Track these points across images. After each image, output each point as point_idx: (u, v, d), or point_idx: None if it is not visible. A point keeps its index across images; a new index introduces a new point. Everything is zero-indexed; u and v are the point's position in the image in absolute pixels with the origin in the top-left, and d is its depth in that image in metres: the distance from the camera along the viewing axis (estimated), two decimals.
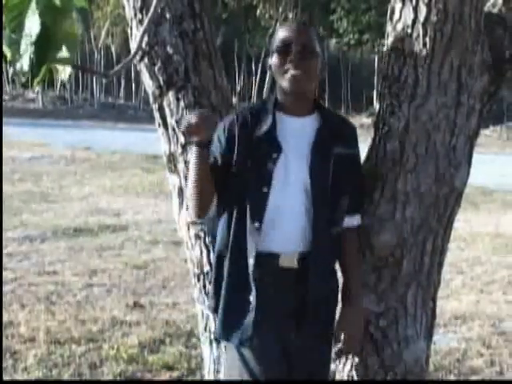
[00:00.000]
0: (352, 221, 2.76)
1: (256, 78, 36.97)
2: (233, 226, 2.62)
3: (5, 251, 7.51)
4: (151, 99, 3.42)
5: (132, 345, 4.96)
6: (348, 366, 2.95)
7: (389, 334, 2.86)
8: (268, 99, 2.75)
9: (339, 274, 2.80)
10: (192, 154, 2.57)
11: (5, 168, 13.13)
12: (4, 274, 6.62)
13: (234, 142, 2.61)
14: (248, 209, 2.59)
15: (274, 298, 2.61)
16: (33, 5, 2.15)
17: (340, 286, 2.78)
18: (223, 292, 2.64)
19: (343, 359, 2.97)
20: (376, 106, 2.94)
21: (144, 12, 3.27)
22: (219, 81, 3.30)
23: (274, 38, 2.68)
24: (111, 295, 6.24)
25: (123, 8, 3.49)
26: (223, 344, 2.89)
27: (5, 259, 7.16)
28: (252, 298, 2.58)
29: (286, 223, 2.61)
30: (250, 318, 2.58)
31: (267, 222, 2.58)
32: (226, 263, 2.63)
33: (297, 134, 2.65)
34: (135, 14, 3.32)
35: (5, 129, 12.39)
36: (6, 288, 6.23)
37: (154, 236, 8.68)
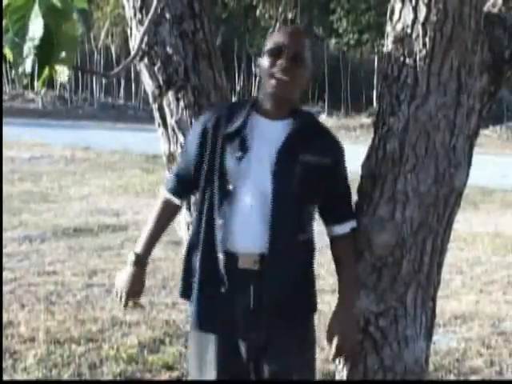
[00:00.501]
0: (342, 228, 2.80)
1: (256, 78, 36.96)
2: (203, 220, 2.66)
3: (4, 251, 7.51)
4: (151, 99, 3.42)
5: (132, 345, 4.96)
6: (348, 366, 2.96)
7: (388, 334, 2.86)
8: (247, 100, 2.76)
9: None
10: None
11: (4, 168, 13.13)
12: (4, 274, 6.63)
13: (206, 138, 2.66)
14: (215, 205, 2.63)
15: (233, 296, 2.64)
16: (36, 8, 2.15)
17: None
18: (196, 284, 2.68)
19: (343, 359, 2.97)
20: (376, 105, 2.94)
21: (144, 12, 3.28)
22: (219, 81, 3.30)
23: (270, 38, 2.68)
24: (111, 295, 6.23)
25: (123, 8, 3.49)
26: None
27: (4, 259, 7.16)
28: (224, 290, 2.64)
29: (246, 224, 2.61)
30: (223, 309, 2.65)
31: (231, 220, 2.60)
32: (198, 256, 2.67)
33: (266, 136, 2.64)
34: (135, 14, 3.32)
35: (4, 129, 12.39)
36: (5, 288, 6.23)
37: None
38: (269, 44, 2.63)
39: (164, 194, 2.86)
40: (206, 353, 2.71)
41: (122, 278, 2.86)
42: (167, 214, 2.89)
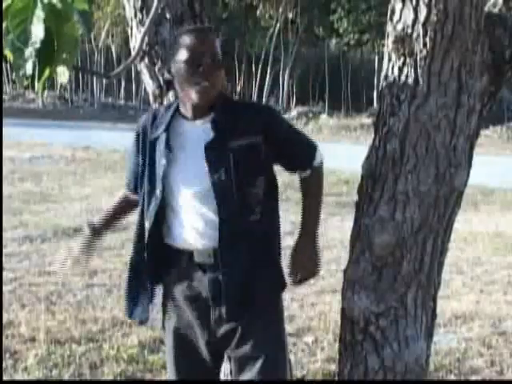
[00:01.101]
0: (306, 172, 2.89)
1: (256, 78, 36.96)
2: (147, 226, 2.84)
3: (5, 251, 7.51)
4: (151, 99, 3.42)
5: (132, 345, 4.96)
6: (348, 367, 2.96)
7: (389, 334, 2.86)
8: (172, 103, 2.84)
9: None
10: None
11: (5, 168, 13.12)
12: (4, 274, 6.63)
13: (138, 145, 2.85)
14: (147, 210, 2.81)
15: (187, 288, 2.81)
16: (38, 12, 2.15)
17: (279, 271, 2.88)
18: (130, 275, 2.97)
19: (344, 359, 2.97)
20: (376, 106, 2.95)
21: (144, 12, 3.28)
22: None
23: (179, 42, 2.67)
24: (111, 295, 6.24)
25: (123, 8, 3.49)
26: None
27: (5, 259, 7.16)
28: (183, 286, 2.82)
29: (190, 222, 2.72)
30: (154, 301, 2.96)
31: (177, 221, 2.75)
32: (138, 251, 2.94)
33: (193, 136, 2.72)
34: (135, 14, 3.33)
35: (5, 129, 12.38)
36: (6, 288, 6.23)
37: None
38: (183, 51, 2.62)
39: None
40: (169, 351, 2.96)
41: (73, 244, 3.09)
42: (123, 201, 3.11)
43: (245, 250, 2.72)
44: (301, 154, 2.87)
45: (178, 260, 2.79)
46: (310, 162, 2.87)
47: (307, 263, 2.91)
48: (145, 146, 2.80)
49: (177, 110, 2.76)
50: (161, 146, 2.73)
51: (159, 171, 2.72)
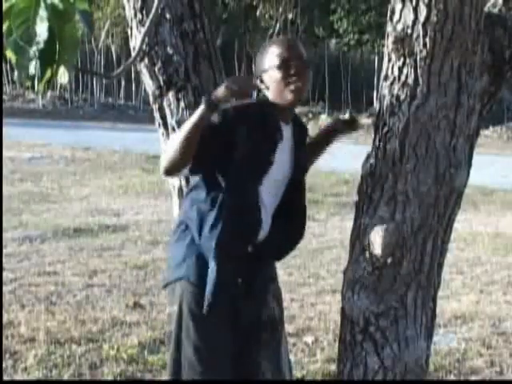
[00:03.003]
0: None
1: (256, 79, 36.92)
2: (226, 207, 2.86)
3: (5, 251, 7.50)
4: (151, 99, 3.42)
5: (132, 345, 4.96)
6: (348, 367, 2.96)
7: (389, 335, 2.86)
8: (268, 104, 2.94)
9: None
10: (200, 111, 2.70)
11: (5, 168, 13.11)
12: (4, 274, 6.62)
13: (234, 132, 2.82)
14: (246, 202, 2.89)
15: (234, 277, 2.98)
16: (41, 12, 2.15)
17: None
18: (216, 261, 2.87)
19: (344, 360, 2.97)
20: (376, 106, 2.95)
21: (144, 12, 3.28)
22: (219, 81, 3.31)
23: (267, 54, 2.92)
24: (111, 295, 6.24)
25: (123, 8, 3.49)
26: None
27: (5, 259, 7.15)
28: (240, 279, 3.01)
29: (266, 217, 2.98)
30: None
31: (260, 213, 2.94)
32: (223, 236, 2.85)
33: (285, 139, 2.96)
34: (135, 15, 3.33)
35: (4, 129, 12.37)
36: (5, 288, 6.23)
37: (154, 236, 8.67)
38: (274, 59, 2.89)
39: None
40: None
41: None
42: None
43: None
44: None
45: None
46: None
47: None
48: (249, 137, 2.84)
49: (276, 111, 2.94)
50: (269, 143, 2.90)
51: (264, 167, 2.90)
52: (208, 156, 2.81)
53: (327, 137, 3.29)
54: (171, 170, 2.82)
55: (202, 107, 2.70)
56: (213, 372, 2.91)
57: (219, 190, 2.86)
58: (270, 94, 2.92)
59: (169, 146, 2.80)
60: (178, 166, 2.79)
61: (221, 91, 2.70)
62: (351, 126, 3.23)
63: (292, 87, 2.86)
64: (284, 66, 2.86)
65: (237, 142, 2.81)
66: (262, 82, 2.94)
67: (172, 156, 2.75)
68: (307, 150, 3.17)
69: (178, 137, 2.74)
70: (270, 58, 2.90)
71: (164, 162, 2.79)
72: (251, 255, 2.97)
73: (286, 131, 2.97)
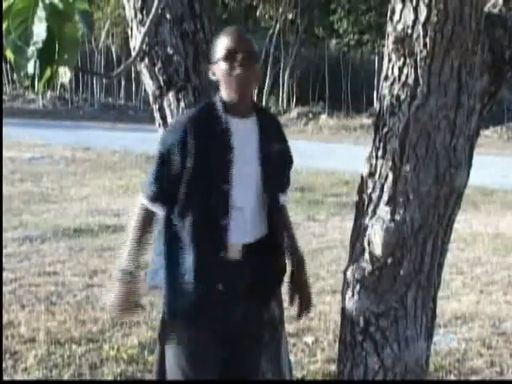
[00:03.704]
0: (285, 198, 3.10)
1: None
2: (192, 222, 2.82)
3: (5, 251, 7.51)
4: (151, 99, 3.42)
5: (132, 345, 4.96)
6: (348, 367, 2.96)
7: (389, 335, 2.86)
8: (213, 102, 2.91)
9: None
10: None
11: (5, 168, 13.12)
12: (4, 274, 6.63)
13: (186, 145, 2.78)
14: (210, 207, 2.81)
15: (218, 284, 2.86)
16: (39, 12, 2.15)
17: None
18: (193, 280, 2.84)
19: (344, 360, 2.97)
20: (376, 106, 2.95)
21: (144, 12, 3.28)
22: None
23: (216, 45, 2.87)
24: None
25: (123, 8, 3.49)
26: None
27: (5, 260, 7.16)
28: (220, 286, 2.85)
29: (244, 218, 2.86)
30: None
31: (228, 217, 2.83)
32: (189, 256, 2.82)
33: (244, 134, 2.88)
34: (135, 15, 3.33)
35: (5, 129, 12.37)
36: (6, 288, 6.23)
37: (153, 236, 8.65)
38: (220, 51, 2.83)
39: (144, 202, 2.93)
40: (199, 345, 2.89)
41: (112, 295, 2.90)
42: (148, 223, 2.97)
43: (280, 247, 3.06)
44: (288, 179, 3.12)
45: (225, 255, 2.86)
46: (286, 192, 3.13)
47: (309, 294, 3.14)
48: (199, 144, 2.79)
49: (224, 109, 2.86)
50: (224, 142, 2.83)
51: (225, 166, 2.81)
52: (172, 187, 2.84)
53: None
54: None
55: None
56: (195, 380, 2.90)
57: (184, 205, 2.84)
58: (221, 87, 2.88)
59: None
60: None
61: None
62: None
63: (237, 78, 2.79)
64: (229, 57, 2.80)
65: (188, 154, 2.78)
66: (213, 74, 2.89)
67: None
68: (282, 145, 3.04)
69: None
70: (218, 50, 2.85)
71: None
72: (243, 261, 2.88)
73: (245, 123, 2.88)
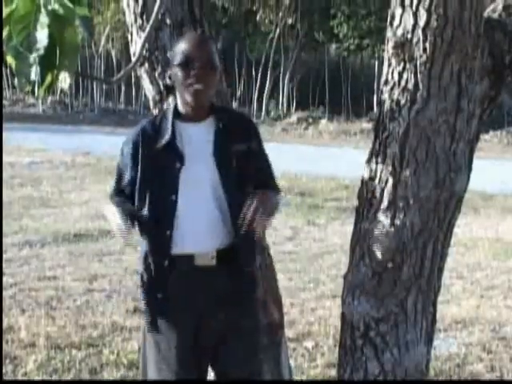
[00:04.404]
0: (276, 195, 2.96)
1: (256, 83, 36.95)
2: (143, 231, 2.83)
3: (5, 256, 7.51)
4: (151, 104, 3.42)
5: (132, 350, 4.95)
6: (348, 372, 2.96)
7: (389, 339, 2.86)
8: (168, 110, 2.89)
9: None
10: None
11: (5, 173, 13.12)
12: (4, 279, 6.62)
13: (138, 155, 2.79)
14: (157, 217, 2.78)
15: (191, 292, 2.82)
16: (42, 18, 2.15)
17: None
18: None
19: (344, 365, 2.97)
20: (376, 111, 2.95)
21: (144, 17, 3.28)
22: (219, 86, 3.30)
23: (176, 49, 2.80)
24: (111, 300, 6.23)
25: (123, 13, 3.49)
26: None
27: (5, 264, 7.15)
28: (160, 294, 2.81)
29: (198, 225, 2.79)
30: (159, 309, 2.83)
31: (179, 227, 2.77)
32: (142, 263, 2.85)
33: (197, 139, 2.83)
34: (135, 20, 3.33)
35: (5, 134, 12.38)
36: (5, 293, 6.23)
37: None
38: (178, 56, 2.76)
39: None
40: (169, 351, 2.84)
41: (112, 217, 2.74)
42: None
43: (250, 248, 2.91)
44: (274, 183, 3.01)
45: (178, 265, 2.81)
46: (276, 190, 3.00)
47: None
48: (147, 154, 2.79)
49: (177, 114, 2.83)
50: (171, 151, 2.77)
51: (173, 175, 2.76)
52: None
53: None
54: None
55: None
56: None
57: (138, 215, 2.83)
58: (177, 92, 2.84)
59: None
60: None
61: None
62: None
63: (190, 89, 2.72)
64: (186, 65, 2.72)
65: (137, 165, 2.79)
66: (170, 78, 2.85)
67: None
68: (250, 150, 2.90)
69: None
70: (176, 55, 2.77)
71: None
72: (216, 267, 2.82)
73: (199, 127, 2.82)
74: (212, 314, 2.84)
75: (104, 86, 38.50)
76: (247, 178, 2.86)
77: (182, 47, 2.76)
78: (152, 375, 2.91)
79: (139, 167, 2.79)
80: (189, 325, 2.83)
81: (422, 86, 2.71)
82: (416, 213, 2.77)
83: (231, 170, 2.81)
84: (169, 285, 2.82)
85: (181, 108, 2.83)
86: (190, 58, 2.72)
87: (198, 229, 2.79)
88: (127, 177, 2.85)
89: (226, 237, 2.82)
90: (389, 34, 2.79)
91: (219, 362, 2.91)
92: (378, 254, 2.81)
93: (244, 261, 2.88)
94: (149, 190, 2.78)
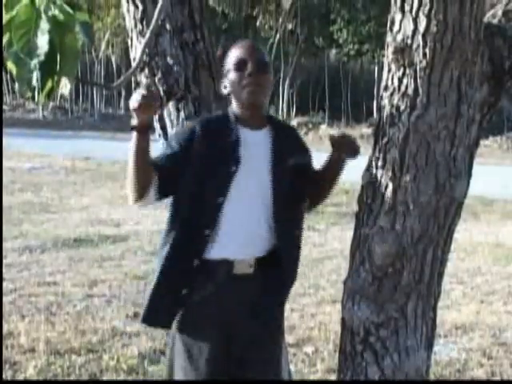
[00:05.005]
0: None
1: None
2: (179, 228, 2.81)
3: (5, 261, 7.51)
4: None
5: (132, 355, 4.95)
6: (348, 377, 2.95)
7: (389, 345, 2.86)
8: (226, 113, 2.90)
9: None
10: (133, 139, 2.71)
11: (5, 178, 13.13)
12: (4, 284, 6.62)
13: (191, 149, 2.77)
14: (199, 216, 2.77)
15: (227, 298, 2.82)
16: (43, 25, 2.15)
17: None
18: (156, 280, 2.85)
19: (344, 370, 2.97)
20: (376, 116, 2.95)
21: (144, 23, 3.29)
22: (219, 91, 3.31)
23: (227, 58, 2.87)
24: (111, 306, 6.23)
25: (123, 19, 3.50)
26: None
27: (5, 270, 7.15)
28: (185, 291, 2.81)
29: (240, 232, 2.81)
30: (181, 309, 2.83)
31: (219, 230, 2.76)
32: (164, 259, 2.83)
33: (255, 146, 2.85)
34: (135, 25, 3.33)
35: (5, 139, 12.39)
36: (5, 298, 6.22)
37: (154, 246, 8.65)
38: (230, 62, 2.83)
39: None
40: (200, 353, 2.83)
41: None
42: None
43: (294, 259, 2.99)
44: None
45: (215, 270, 2.81)
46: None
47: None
48: (202, 150, 2.77)
49: (236, 118, 2.86)
50: (228, 153, 2.79)
51: (225, 178, 2.77)
52: (169, 177, 2.78)
53: (332, 167, 3.03)
54: (136, 199, 2.79)
55: (134, 136, 2.71)
56: None
57: (180, 207, 2.83)
58: (233, 99, 2.87)
59: (127, 180, 2.78)
60: (139, 193, 2.75)
61: (132, 109, 2.69)
62: (350, 146, 2.98)
63: (247, 89, 2.79)
64: (240, 67, 2.79)
65: (192, 156, 2.76)
66: (225, 88, 2.89)
67: (131, 186, 2.74)
68: (311, 174, 3.02)
69: (128, 167, 2.74)
70: (228, 61, 2.85)
71: (128, 192, 2.79)
72: (253, 275, 2.84)
73: (257, 135, 2.87)
74: (244, 321, 2.85)
75: (104, 92, 38.57)
76: (296, 190, 2.91)
77: (234, 53, 2.85)
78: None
79: (192, 160, 2.75)
80: (221, 332, 2.83)
81: (421, 91, 2.71)
82: (416, 218, 2.77)
83: (283, 181, 2.85)
84: (202, 290, 2.81)
85: (238, 113, 2.86)
86: (243, 60, 2.80)
87: (240, 235, 2.80)
88: (167, 157, 2.80)
89: (266, 246, 2.86)
90: (388, 39, 2.79)
91: (244, 368, 2.90)
92: (378, 260, 2.81)
93: (288, 270, 2.95)
94: (197, 186, 2.77)
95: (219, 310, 2.82)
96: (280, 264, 2.87)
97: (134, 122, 2.69)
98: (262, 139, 2.87)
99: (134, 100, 2.64)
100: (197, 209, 2.77)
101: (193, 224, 2.78)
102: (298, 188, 2.92)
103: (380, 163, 2.82)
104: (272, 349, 2.95)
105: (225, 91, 2.90)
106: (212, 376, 2.82)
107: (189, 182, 2.77)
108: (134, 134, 2.69)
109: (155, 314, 2.87)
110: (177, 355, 2.89)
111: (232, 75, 2.82)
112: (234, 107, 2.87)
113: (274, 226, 2.84)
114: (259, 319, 2.87)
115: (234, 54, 2.84)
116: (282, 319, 3.06)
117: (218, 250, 2.79)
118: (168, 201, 2.91)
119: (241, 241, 2.80)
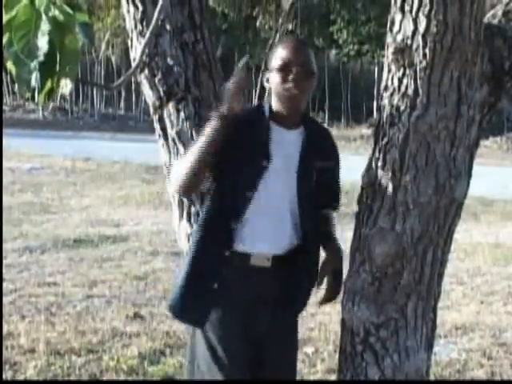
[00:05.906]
0: (331, 212, 3.10)
1: (256, 89, 37.00)
2: (210, 219, 2.83)
3: (5, 262, 7.51)
4: (151, 110, 3.42)
5: (132, 356, 4.95)
6: (348, 378, 2.95)
7: (389, 345, 2.86)
8: (262, 106, 2.90)
9: None
10: (211, 126, 2.68)
11: (5, 179, 13.13)
12: (4, 285, 6.62)
13: (228, 140, 2.73)
14: (227, 209, 2.79)
15: (244, 290, 2.83)
16: (43, 26, 2.15)
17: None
18: (185, 274, 2.84)
19: (344, 370, 2.97)
20: (376, 116, 2.95)
21: (144, 23, 3.28)
22: (219, 92, 3.31)
23: (274, 53, 2.84)
24: (111, 306, 6.23)
25: (123, 19, 3.50)
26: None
27: (5, 270, 7.15)
28: (216, 285, 2.81)
29: (263, 227, 2.82)
30: (211, 303, 2.83)
31: (245, 224, 2.79)
32: (196, 250, 2.83)
33: (286, 145, 2.85)
34: (135, 26, 3.33)
35: (5, 139, 12.39)
36: (5, 299, 6.22)
37: (154, 247, 8.67)
38: (276, 60, 2.81)
39: None
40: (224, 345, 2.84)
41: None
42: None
43: (316, 255, 3.00)
44: (336, 197, 3.08)
45: (238, 263, 2.83)
46: (337, 206, 3.10)
47: (340, 282, 3.03)
48: (236, 141, 2.75)
49: (272, 114, 2.85)
50: (261, 149, 2.79)
51: (256, 173, 2.78)
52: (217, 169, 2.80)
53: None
54: (188, 190, 2.82)
55: (213, 121, 2.67)
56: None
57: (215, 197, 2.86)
58: (273, 95, 2.86)
59: (183, 165, 2.74)
60: (194, 184, 2.77)
61: (228, 96, 2.66)
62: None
63: (287, 94, 2.77)
64: (284, 69, 2.76)
65: (228, 148, 2.74)
66: (267, 81, 2.88)
67: (187, 175, 2.71)
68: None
69: (193, 155, 2.70)
70: (274, 59, 2.82)
71: (179, 182, 2.75)
72: (272, 270, 2.85)
73: (289, 135, 2.86)
74: (261, 313, 2.88)
75: (104, 92, 38.57)
76: (321, 190, 2.92)
77: (280, 52, 2.81)
78: (201, 374, 2.89)
79: (226, 151, 2.74)
80: (240, 325, 2.84)
81: (421, 91, 2.71)
82: (416, 219, 2.77)
83: (310, 182, 2.87)
84: (227, 283, 2.82)
85: (276, 111, 2.85)
86: (287, 62, 2.76)
87: (264, 231, 2.82)
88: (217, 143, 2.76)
89: (288, 243, 2.87)
90: (388, 39, 2.79)
91: (262, 361, 2.95)
92: (378, 260, 2.81)
93: (310, 267, 2.96)
94: (228, 178, 2.79)
95: (240, 303, 2.83)
96: (300, 263, 2.90)
97: (223, 109, 2.67)
98: (295, 139, 2.86)
99: (234, 84, 2.65)
100: (225, 200, 2.81)
101: (222, 215, 2.80)
102: (321, 188, 2.92)
103: (380, 163, 2.82)
104: (289, 350, 3.11)
105: (266, 85, 2.90)
106: (236, 366, 2.84)
107: (224, 172, 2.80)
108: (214, 124, 2.67)
109: (187, 311, 2.89)
110: (198, 346, 2.89)
111: (275, 75, 2.80)
112: (273, 102, 2.86)
113: (298, 224, 2.86)
114: (276, 311, 2.93)
115: (280, 54, 2.80)
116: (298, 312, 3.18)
117: (240, 242, 2.80)
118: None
119: (265, 236, 2.81)
